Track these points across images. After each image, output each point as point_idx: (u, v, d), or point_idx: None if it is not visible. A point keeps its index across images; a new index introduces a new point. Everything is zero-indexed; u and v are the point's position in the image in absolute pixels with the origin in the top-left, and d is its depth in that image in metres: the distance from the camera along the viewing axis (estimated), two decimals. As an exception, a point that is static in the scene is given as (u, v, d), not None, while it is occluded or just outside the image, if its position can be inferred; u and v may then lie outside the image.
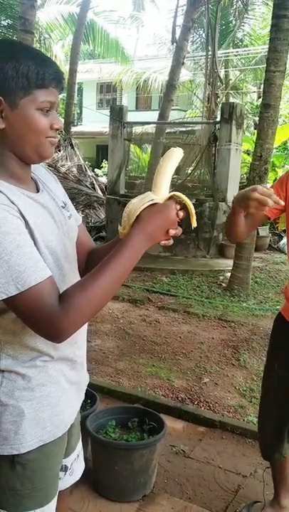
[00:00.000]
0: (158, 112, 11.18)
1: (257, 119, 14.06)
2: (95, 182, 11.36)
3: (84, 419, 2.35)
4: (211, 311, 5.21)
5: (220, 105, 10.54)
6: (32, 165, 1.15)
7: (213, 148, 8.43)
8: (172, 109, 11.87)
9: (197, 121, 12.37)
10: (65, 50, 20.08)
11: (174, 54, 10.74)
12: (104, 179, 12.99)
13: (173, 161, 1.09)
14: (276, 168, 10.86)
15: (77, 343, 1.21)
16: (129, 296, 5.65)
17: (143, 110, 21.34)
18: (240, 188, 8.34)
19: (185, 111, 17.93)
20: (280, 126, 8.93)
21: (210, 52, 10.80)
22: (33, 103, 1.03)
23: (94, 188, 11.06)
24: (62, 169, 10.49)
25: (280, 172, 11.05)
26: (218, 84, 11.44)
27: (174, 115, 14.80)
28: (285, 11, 5.29)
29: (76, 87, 13.84)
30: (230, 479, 2.45)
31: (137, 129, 10.90)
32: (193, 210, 1.08)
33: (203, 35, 12.70)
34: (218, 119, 9.31)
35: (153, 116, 13.50)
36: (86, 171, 11.46)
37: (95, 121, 18.48)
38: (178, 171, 12.30)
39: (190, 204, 1.07)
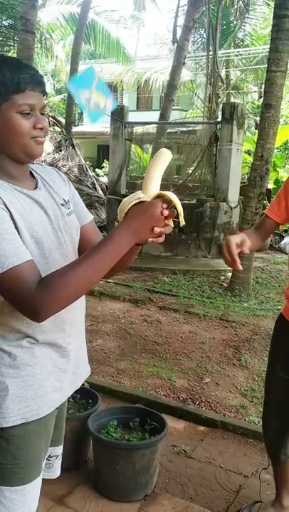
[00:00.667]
0: (159, 112, 11.19)
1: (258, 119, 14.06)
2: (96, 182, 11.37)
3: (85, 419, 2.36)
4: (212, 311, 5.21)
5: (221, 105, 10.54)
6: (42, 166, 1.26)
7: (214, 148, 8.42)
8: (173, 109, 11.88)
9: (198, 121, 12.37)
10: (66, 50, 20.08)
11: (175, 54, 10.74)
12: (105, 179, 13.00)
13: (161, 162, 1.12)
14: (277, 168, 10.87)
15: (66, 331, 1.26)
16: (131, 296, 5.65)
17: (144, 110, 21.36)
18: (242, 188, 8.34)
19: (186, 111, 17.94)
20: (281, 127, 8.93)
21: (211, 53, 10.80)
22: (13, 107, 1.12)
23: (95, 188, 11.07)
24: (64, 169, 10.49)
25: (281, 172, 11.06)
26: (220, 84, 11.44)
27: (174, 115, 14.82)
28: (286, 11, 5.29)
29: (77, 87, 13.81)
30: (231, 479, 2.45)
31: (138, 129, 10.91)
32: (180, 209, 1.09)
33: (204, 35, 12.71)
34: (219, 119, 9.31)
35: (154, 116, 13.51)
36: (87, 170, 11.46)
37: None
38: (179, 170, 12.33)
39: (177, 203, 1.09)
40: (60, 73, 20.67)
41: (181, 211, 1.09)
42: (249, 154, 11.71)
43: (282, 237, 9.56)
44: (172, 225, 1.12)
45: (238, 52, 15.56)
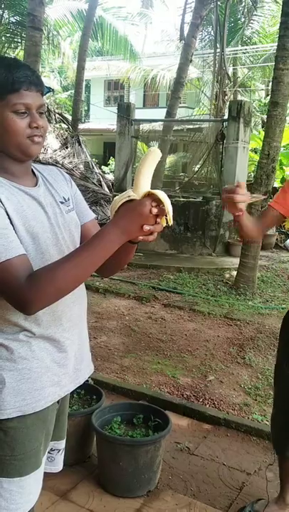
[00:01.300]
0: (165, 110, 11.16)
1: (265, 117, 14.00)
2: (101, 179, 11.38)
3: (89, 415, 2.38)
4: (217, 309, 5.21)
5: (228, 103, 10.51)
6: (46, 166, 1.31)
7: (221, 146, 8.41)
8: (180, 107, 11.85)
9: (205, 119, 12.35)
10: (73, 47, 20.09)
11: (182, 51, 10.71)
12: (111, 176, 13.00)
13: (151, 161, 1.13)
14: (283, 167, 10.81)
15: (63, 325, 1.28)
16: (135, 293, 5.66)
17: (150, 107, 21.32)
18: (248, 186, 8.30)
19: (193, 108, 17.88)
20: (288, 126, 8.89)
21: (218, 50, 10.77)
22: (7, 107, 1.15)
23: (101, 185, 11.08)
24: (69, 166, 10.50)
25: (287, 170, 11.01)
26: (227, 82, 11.41)
27: (181, 113, 14.79)
28: (294, 8, 5.26)
29: (84, 84, 13.83)
30: (234, 476, 2.46)
31: (145, 127, 10.88)
32: (169, 208, 1.09)
33: (212, 32, 12.67)
34: (225, 116, 9.29)
35: (160, 113, 13.48)
36: (93, 168, 11.48)
37: (102, 118, 18.49)
38: (185, 168, 12.32)
39: (165, 201, 1.08)
40: (67, 70, 20.69)
41: (169, 210, 1.09)
42: (255, 152, 11.66)
43: (287, 236, 9.54)
44: (164, 224, 1.12)
45: (246, 49, 15.50)
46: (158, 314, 5.03)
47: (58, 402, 1.34)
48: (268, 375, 3.62)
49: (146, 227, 1.09)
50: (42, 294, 1.09)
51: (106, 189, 11.06)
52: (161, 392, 3.29)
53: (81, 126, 13.48)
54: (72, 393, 1.42)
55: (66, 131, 11.75)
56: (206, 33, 14.00)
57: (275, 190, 8.95)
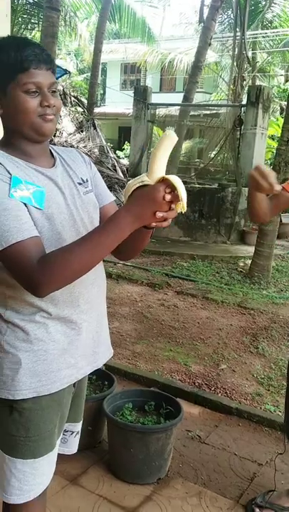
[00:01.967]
0: (182, 94, 10.99)
1: (283, 103, 13.66)
2: (116, 164, 11.31)
3: (101, 400, 2.37)
4: (231, 298, 5.16)
5: (246, 88, 10.30)
6: (65, 148, 1.31)
7: (238, 132, 8.26)
8: (197, 92, 11.67)
9: (222, 104, 12.13)
10: (90, 29, 19.83)
11: (201, 34, 10.50)
12: (125, 161, 12.90)
13: (166, 145, 1.09)
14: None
15: (80, 307, 1.27)
16: (148, 279, 5.64)
17: (167, 92, 21.05)
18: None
19: (210, 93, 17.62)
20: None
21: (238, 34, 10.52)
22: (18, 87, 1.14)
23: (115, 170, 11.02)
24: (84, 150, 10.44)
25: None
26: (246, 66, 11.17)
27: (198, 98, 14.58)
28: None
29: (100, 67, 13.68)
30: (245, 467, 2.44)
31: (161, 111, 10.75)
32: (183, 194, 1.05)
33: (232, 15, 12.39)
34: (244, 102, 9.11)
35: (177, 98, 13.29)
36: (108, 152, 11.41)
37: (118, 102, 18.33)
38: (201, 154, 12.16)
39: (180, 188, 1.04)
40: (83, 52, 20.45)
41: (183, 197, 1.05)
42: (273, 139, 11.46)
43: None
44: (178, 210, 1.08)
45: (266, 33, 15.14)
46: (171, 301, 5.00)
47: (74, 385, 1.33)
48: (281, 366, 3.58)
49: (160, 214, 1.06)
50: (53, 277, 1.08)
51: (120, 174, 10.99)
52: (172, 380, 3.27)
53: (96, 109, 13.38)
54: (87, 375, 1.40)
55: (82, 114, 11.67)
56: (225, 16, 13.71)
57: (292, 178, 8.82)
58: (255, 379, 3.41)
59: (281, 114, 14.92)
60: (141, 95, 8.86)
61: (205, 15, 10.46)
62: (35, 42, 1.24)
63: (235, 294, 5.34)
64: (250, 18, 12.50)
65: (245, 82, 11.61)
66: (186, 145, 12.58)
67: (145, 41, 16.14)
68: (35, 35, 13.33)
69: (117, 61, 21.39)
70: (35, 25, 13.08)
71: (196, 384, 3.27)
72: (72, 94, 12.49)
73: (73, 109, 11.70)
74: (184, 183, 1.08)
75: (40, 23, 9.93)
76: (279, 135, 6.94)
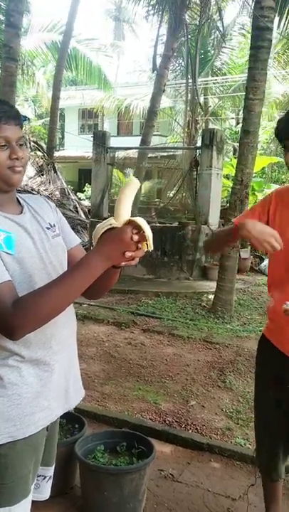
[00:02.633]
0: (139, 137, 11.39)
1: (236, 144, 14.30)
2: (78, 205, 11.42)
3: (72, 444, 2.33)
4: (196, 333, 5.23)
5: (200, 131, 10.80)
6: (30, 195, 1.38)
7: (195, 173, 8.59)
8: (154, 135, 12.09)
9: (179, 147, 12.62)
10: (47, 76, 20.38)
11: (155, 82, 11.01)
12: (86, 203, 13.05)
13: (129, 190, 1.18)
14: (255, 193, 11.10)
15: (52, 348, 1.29)
16: (114, 319, 5.64)
17: (124, 135, 21.67)
18: (222, 211, 8.49)
19: (166, 136, 18.26)
20: (258, 156, 9.17)
21: (190, 81, 11.11)
22: None
23: (77, 212, 11.12)
24: (45, 193, 10.52)
25: (260, 196, 11.30)
26: (198, 110, 11.74)
27: (155, 141, 15.06)
28: (262, 42, 5.52)
29: (58, 112, 13.99)
30: (219, 502, 2.44)
31: (120, 154, 11.06)
32: (149, 234, 1.14)
33: (183, 63, 13.07)
34: (198, 144, 9.52)
35: (134, 141, 13.72)
36: (69, 194, 11.52)
37: (77, 146, 18.68)
38: (160, 194, 12.49)
39: (146, 228, 1.13)
40: (41, 99, 20.89)
41: (149, 236, 1.14)
42: (228, 178, 11.95)
43: (262, 259, 9.71)
44: (145, 249, 1.16)
45: (216, 80, 16.02)
46: (137, 340, 5.02)
47: (47, 428, 1.34)
48: (249, 399, 3.64)
49: (128, 253, 1.14)
50: (27, 320, 1.13)
51: (82, 215, 11.09)
52: (143, 419, 3.26)
53: (56, 153, 13.57)
54: (59, 418, 1.41)
55: (42, 158, 11.81)
56: (177, 64, 14.44)
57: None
58: (224, 413, 3.45)
59: (234, 154, 15.63)
60: (100, 139, 9.11)
61: (158, 63, 11.01)
62: (4, 100, 1.32)
63: (201, 329, 5.42)
64: (200, 65, 13.23)
65: (198, 126, 12.18)
66: (145, 186, 12.91)
67: (102, 88, 16.68)
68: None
69: (74, 107, 21.96)
70: (-7, 74, 13.31)
71: (167, 422, 3.27)
72: (31, 139, 12.65)
73: (33, 153, 11.84)
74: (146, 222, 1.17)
75: (-1, 71, 10.16)
76: (233, 175, 7.27)
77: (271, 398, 1.94)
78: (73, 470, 2.44)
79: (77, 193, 14.88)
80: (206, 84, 15.74)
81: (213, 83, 16.14)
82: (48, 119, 15.18)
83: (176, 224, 8.46)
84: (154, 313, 5.95)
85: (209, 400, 3.66)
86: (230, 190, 8.44)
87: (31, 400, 1.25)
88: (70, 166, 18.67)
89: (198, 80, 11.28)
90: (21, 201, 1.38)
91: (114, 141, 10.21)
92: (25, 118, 1.32)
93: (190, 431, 3.17)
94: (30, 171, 11.28)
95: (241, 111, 11.56)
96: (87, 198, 15.42)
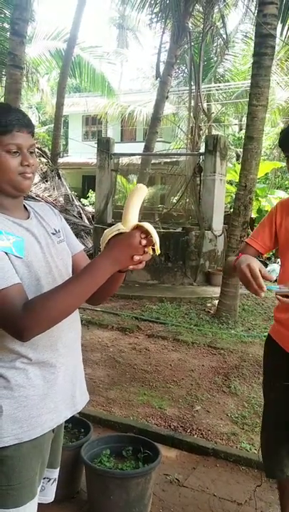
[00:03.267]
0: (142, 144, 11.44)
1: (239, 150, 14.32)
2: (81, 211, 11.46)
3: (78, 448, 2.34)
4: (200, 339, 5.23)
5: (203, 137, 10.83)
6: (36, 202, 1.43)
7: (198, 179, 8.62)
8: (157, 141, 12.16)
9: (182, 153, 12.66)
10: (51, 83, 20.53)
11: (159, 89, 11.08)
12: (90, 209, 13.11)
13: (137, 196, 1.22)
14: (259, 198, 11.12)
15: (59, 351, 1.32)
16: (119, 324, 5.65)
17: (128, 142, 21.78)
18: (225, 217, 8.51)
19: (169, 143, 18.34)
20: (262, 162, 9.19)
21: (193, 87, 11.17)
22: (1, 147, 1.25)
23: (81, 218, 11.16)
24: (50, 199, 10.57)
25: (263, 201, 11.32)
26: (202, 117, 11.79)
27: (158, 147, 15.15)
28: (265, 49, 5.56)
29: (62, 119, 14.08)
30: (225, 507, 2.44)
31: (124, 160, 11.12)
32: (156, 239, 1.17)
33: (186, 70, 13.15)
34: (201, 150, 9.56)
35: (138, 147, 13.78)
36: (73, 200, 11.57)
37: (80, 152, 18.77)
38: (163, 200, 12.52)
39: (153, 233, 1.17)
40: (45, 106, 21.03)
41: (156, 241, 1.17)
42: (231, 184, 11.98)
43: (266, 265, 9.71)
44: (151, 253, 1.20)
45: (219, 86, 16.10)
46: (142, 345, 5.02)
47: (53, 431, 1.35)
48: (254, 404, 3.64)
49: (137, 258, 1.17)
50: (37, 321, 1.15)
51: (86, 221, 11.13)
52: (148, 424, 3.26)
53: (60, 160, 13.64)
54: (65, 421, 1.43)
55: (46, 165, 11.87)
56: (180, 71, 14.53)
57: (252, 220, 9.18)
58: (229, 418, 3.45)
59: (237, 160, 15.69)
60: (104, 146, 9.17)
61: (161, 70, 11.08)
62: (18, 108, 1.36)
63: (205, 335, 5.42)
64: (203, 72, 13.32)
65: (201, 132, 12.20)
66: (149, 192, 12.93)
67: (105, 95, 16.79)
68: (-2, 91, 13.67)
69: (78, 113, 22.09)
70: (-1, 81, 13.44)
71: (172, 427, 3.28)
72: (35, 145, 12.75)
73: (37, 160, 11.92)
74: None
75: (4, 79, 10.26)
76: (237, 180, 7.29)
77: (277, 400, 1.95)
78: (79, 474, 2.45)
79: (81, 199, 14.95)
80: (209, 90, 15.83)
81: (216, 90, 16.22)
82: (52, 125, 15.31)
83: (179, 229, 8.48)
84: (159, 319, 5.95)
85: (214, 405, 3.66)
86: (233, 195, 8.48)
87: (38, 401, 1.27)
88: (73, 172, 18.76)
89: (201, 86, 11.32)
90: (28, 207, 1.41)
91: (117, 148, 10.27)
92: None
93: (195, 436, 3.17)
94: (35, 177, 11.35)
95: (244, 117, 11.63)
96: (90, 204, 15.48)
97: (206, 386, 4.01)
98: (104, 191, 9.17)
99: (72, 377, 1.38)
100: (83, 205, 13.34)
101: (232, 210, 6.81)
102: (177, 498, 2.50)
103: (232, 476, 2.73)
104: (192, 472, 2.75)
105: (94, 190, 11.30)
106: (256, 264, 1.63)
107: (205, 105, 14.18)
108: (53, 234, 1.39)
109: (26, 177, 1.28)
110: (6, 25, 10.22)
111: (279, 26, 7.54)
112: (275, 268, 9.14)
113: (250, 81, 5.91)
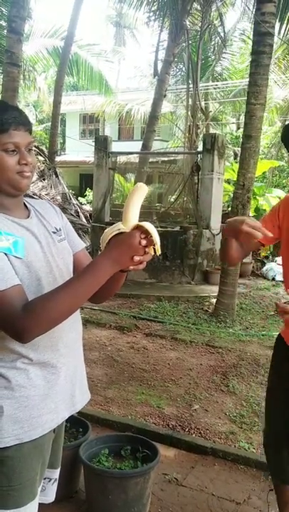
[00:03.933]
0: (140, 142, 11.44)
1: (236, 149, 14.35)
2: (79, 210, 11.43)
3: (76, 448, 2.33)
4: (199, 337, 5.23)
5: (201, 136, 10.84)
6: (36, 199, 1.38)
7: (196, 178, 8.61)
8: (154, 140, 12.14)
9: (180, 152, 12.67)
10: (48, 81, 20.49)
11: (156, 87, 11.07)
12: (88, 207, 13.08)
13: (138, 196, 1.20)
14: (257, 197, 11.12)
15: (60, 351, 1.31)
16: (117, 323, 5.64)
17: (125, 140, 21.75)
18: (223, 215, 8.51)
19: (167, 141, 18.34)
20: (260, 161, 9.19)
21: (191, 85, 11.16)
22: None
23: (78, 216, 11.13)
24: (47, 197, 10.54)
25: (261, 200, 11.32)
26: (199, 115, 11.79)
27: (156, 145, 15.12)
28: (264, 47, 5.55)
29: (59, 118, 14.04)
30: (224, 506, 2.44)
31: (121, 159, 11.09)
32: (156, 239, 1.15)
33: (184, 69, 13.14)
34: (199, 149, 9.56)
35: (135, 146, 13.76)
36: (70, 199, 11.53)
37: (78, 150, 18.74)
38: (161, 199, 12.51)
39: (153, 233, 1.15)
40: (42, 104, 20.99)
41: (156, 241, 1.15)
42: (229, 183, 11.97)
43: (263, 264, 9.72)
44: (152, 253, 1.18)
45: (216, 85, 16.09)
46: (140, 344, 5.01)
47: (53, 431, 1.34)
48: (252, 403, 3.64)
49: (137, 258, 1.15)
50: (37, 322, 1.14)
51: (84, 220, 11.10)
52: (146, 423, 3.26)
53: (57, 158, 13.61)
54: (64, 421, 1.42)
55: (43, 163, 11.83)
56: (178, 70, 14.52)
57: (250, 219, 9.18)
58: (227, 417, 3.44)
59: (235, 159, 15.68)
60: (102, 144, 9.15)
61: (159, 69, 11.07)
62: (15, 106, 1.33)
63: (203, 334, 5.41)
64: (201, 71, 13.30)
65: (199, 130, 12.21)
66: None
67: (102, 93, 16.75)
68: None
69: (75, 112, 22.05)
70: (-5, 79, 13.38)
71: (170, 426, 3.27)
72: (33, 143, 12.71)
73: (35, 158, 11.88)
74: None
75: (1, 77, 10.21)
76: (235, 179, 7.29)
77: (281, 401, 1.95)
78: (78, 474, 2.44)
79: (79, 198, 14.91)
80: (207, 89, 15.82)
81: (214, 88, 16.21)
82: (49, 124, 15.27)
83: (177, 228, 8.47)
84: (157, 318, 5.95)
85: (212, 404, 3.66)
86: (231, 194, 8.47)
87: (39, 402, 1.26)
88: (71, 170, 18.72)
89: (199, 85, 11.31)
90: (28, 205, 1.39)
91: (115, 146, 10.25)
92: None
93: (194, 435, 3.16)
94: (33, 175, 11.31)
95: (242, 116, 11.65)
96: (88, 203, 15.46)
97: (204, 385, 4.00)
98: (102, 190, 9.16)
99: (72, 377, 1.38)
100: (81, 203, 13.30)
101: (230, 208, 6.80)
102: (176, 497, 2.49)
103: (230, 475, 2.73)
104: (191, 471, 2.74)
105: (91, 188, 11.29)
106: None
107: (203, 104, 14.14)
108: (54, 233, 1.38)
109: (24, 176, 1.26)
110: (3, 23, 10.17)
111: (277, 25, 7.54)
112: (272, 267, 9.16)
113: (248, 79, 5.90)
